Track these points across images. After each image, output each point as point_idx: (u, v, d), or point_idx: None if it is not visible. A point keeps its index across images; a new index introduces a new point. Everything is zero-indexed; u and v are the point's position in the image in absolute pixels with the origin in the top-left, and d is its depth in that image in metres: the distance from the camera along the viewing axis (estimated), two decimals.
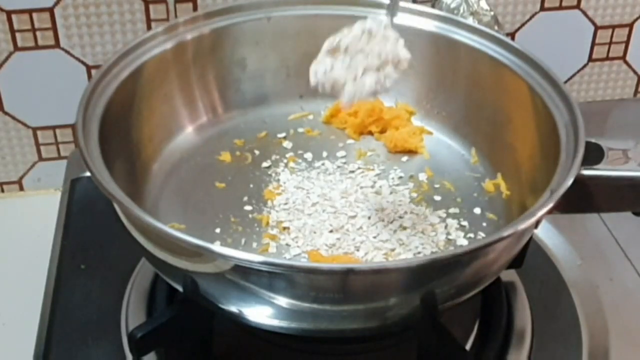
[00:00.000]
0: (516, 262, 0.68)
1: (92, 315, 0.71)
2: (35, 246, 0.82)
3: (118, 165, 0.66)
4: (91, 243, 0.79)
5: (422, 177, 0.74)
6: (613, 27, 1.00)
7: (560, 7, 0.97)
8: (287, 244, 0.67)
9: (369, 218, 0.69)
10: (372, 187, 0.73)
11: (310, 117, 0.80)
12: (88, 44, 0.88)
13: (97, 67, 0.89)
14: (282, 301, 0.56)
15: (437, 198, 0.72)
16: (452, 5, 0.84)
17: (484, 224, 0.69)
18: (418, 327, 0.60)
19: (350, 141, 0.78)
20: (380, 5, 0.78)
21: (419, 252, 0.66)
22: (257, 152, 0.76)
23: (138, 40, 0.72)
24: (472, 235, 0.68)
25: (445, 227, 0.69)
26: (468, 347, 0.68)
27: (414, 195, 0.72)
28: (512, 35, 0.97)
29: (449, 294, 0.59)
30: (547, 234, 0.79)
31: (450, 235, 0.68)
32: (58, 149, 0.94)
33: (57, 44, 0.88)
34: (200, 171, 0.74)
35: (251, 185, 0.73)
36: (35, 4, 0.85)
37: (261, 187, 0.72)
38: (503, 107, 0.73)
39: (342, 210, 0.70)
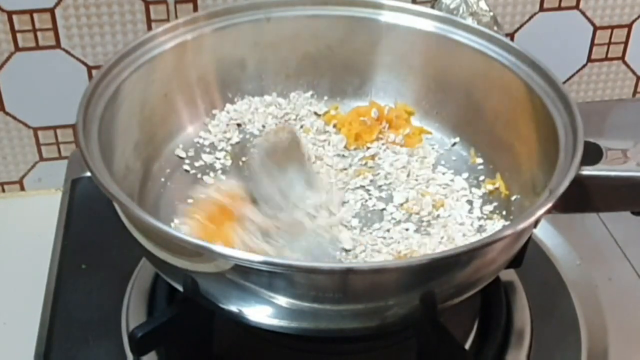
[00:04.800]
0: (515, 262, 0.69)
1: (92, 314, 0.72)
2: (36, 246, 0.82)
3: (118, 166, 0.67)
4: (92, 243, 0.79)
5: (422, 177, 0.74)
6: (612, 27, 1.00)
7: (560, 8, 0.97)
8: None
9: (369, 217, 0.70)
10: (372, 187, 0.73)
11: (310, 117, 0.81)
12: (89, 44, 0.89)
13: (97, 67, 0.89)
14: (282, 300, 0.57)
15: (436, 198, 0.72)
16: (452, 6, 0.84)
17: (483, 224, 0.70)
18: (417, 326, 0.60)
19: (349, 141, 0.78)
20: (380, 6, 0.78)
21: (419, 251, 0.66)
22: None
23: (138, 40, 0.72)
24: (471, 235, 0.68)
25: (444, 226, 0.69)
26: (467, 346, 0.68)
27: (414, 194, 0.72)
28: (511, 36, 0.97)
29: (449, 293, 0.59)
30: (546, 234, 0.79)
31: (449, 235, 0.68)
32: (59, 149, 0.94)
33: (57, 45, 0.88)
34: (200, 171, 0.74)
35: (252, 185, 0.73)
36: (36, 4, 0.86)
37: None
38: (502, 108, 0.74)
39: (343, 210, 0.70)
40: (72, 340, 0.70)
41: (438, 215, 0.70)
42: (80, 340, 0.70)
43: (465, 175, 0.74)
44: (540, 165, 0.67)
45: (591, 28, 0.99)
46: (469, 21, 0.81)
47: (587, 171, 0.63)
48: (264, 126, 0.78)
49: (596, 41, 1.00)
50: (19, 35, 0.87)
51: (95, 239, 0.79)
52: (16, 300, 0.80)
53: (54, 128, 0.93)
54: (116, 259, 0.76)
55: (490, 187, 0.73)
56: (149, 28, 0.89)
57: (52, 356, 0.69)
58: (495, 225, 0.69)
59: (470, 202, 0.72)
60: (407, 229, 0.68)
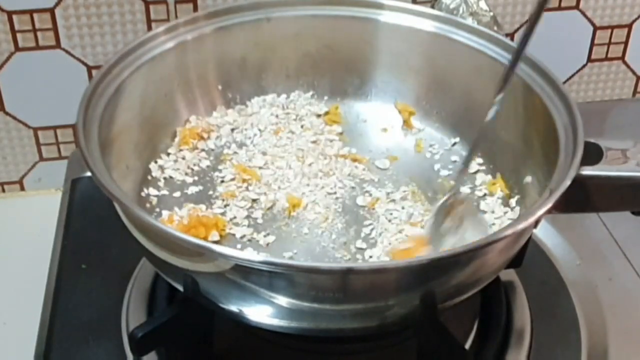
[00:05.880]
0: (515, 262, 0.69)
1: (92, 314, 0.72)
2: (36, 246, 0.82)
3: (118, 165, 0.67)
4: (92, 243, 0.79)
5: (422, 176, 0.74)
6: (612, 27, 1.00)
7: (560, 8, 0.97)
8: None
9: (370, 216, 0.70)
10: (372, 186, 0.73)
11: (310, 117, 0.81)
12: (89, 44, 0.89)
13: (97, 67, 0.89)
14: (282, 300, 0.57)
15: (438, 197, 0.72)
16: (452, 6, 0.84)
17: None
18: (418, 326, 0.60)
19: (349, 142, 0.78)
20: (380, 6, 0.78)
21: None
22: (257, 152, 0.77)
23: (138, 40, 0.72)
24: None
25: None
26: (467, 346, 0.68)
27: (414, 195, 0.72)
28: (511, 36, 0.97)
29: (449, 293, 0.59)
30: (546, 234, 0.79)
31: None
32: (59, 149, 0.94)
33: (57, 45, 0.88)
34: (200, 171, 0.74)
35: (252, 186, 0.73)
36: (36, 4, 0.86)
37: (262, 188, 0.72)
38: (502, 108, 0.73)
39: (344, 210, 0.70)
40: (72, 340, 0.70)
41: None
42: (80, 340, 0.70)
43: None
44: (540, 165, 0.67)
45: (591, 28, 0.99)
46: (469, 21, 0.81)
47: (587, 171, 0.63)
48: (265, 127, 0.78)
49: (596, 41, 1.00)
50: (19, 35, 0.87)
51: (95, 239, 0.79)
52: (16, 300, 0.80)
53: (54, 128, 0.93)
54: (117, 259, 0.76)
55: (490, 187, 0.73)
56: (149, 28, 0.89)
57: (52, 356, 0.69)
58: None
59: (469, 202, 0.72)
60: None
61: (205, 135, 0.76)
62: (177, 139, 0.75)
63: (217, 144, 0.77)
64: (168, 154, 0.74)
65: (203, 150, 0.76)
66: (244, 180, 0.73)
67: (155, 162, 0.73)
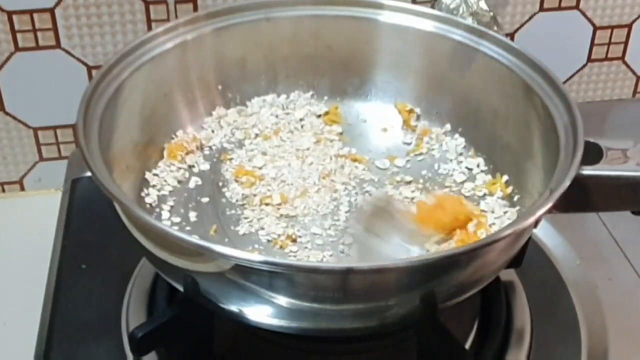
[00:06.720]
0: (515, 262, 0.69)
1: (92, 314, 0.72)
2: (36, 246, 0.82)
3: (118, 165, 0.67)
4: (92, 243, 0.79)
5: (422, 176, 0.74)
6: (612, 27, 1.00)
7: (560, 8, 0.97)
8: (291, 251, 0.67)
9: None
10: (371, 186, 0.73)
11: (310, 117, 0.81)
12: (89, 44, 0.89)
13: (97, 67, 0.89)
14: (282, 300, 0.57)
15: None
16: (452, 6, 0.84)
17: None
18: (418, 326, 0.60)
19: (348, 142, 0.78)
20: (379, 6, 0.78)
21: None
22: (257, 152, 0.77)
23: (138, 40, 0.72)
24: None
25: None
26: (467, 346, 0.68)
27: (415, 194, 0.72)
28: (511, 36, 0.97)
29: (449, 293, 0.59)
30: (546, 234, 0.79)
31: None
32: (59, 149, 0.94)
33: (57, 45, 0.88)
34: (200, 172, 0.74)
35: (253, 186, 0.73)
36: (36, 4, 0.86)
37: (263, 189, 0.72)
38: (502, 108, 0.74)
39: (344, 210, 0.70)
40: (72, 339, 0.70)
41: None
42: (80, 339, 0.70)
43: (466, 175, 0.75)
44: (540, 165, 0.67)
45: (591, 28, 0.99)
46: (469, 21, 0.81)
47: (588, 171, 0.63)
48: (266, 126, 0.78)
49: (596, 41, 1.00)
50: (19, 35, 0.87)
51: (95, 239, 0.79)
52: (16, 300, 0.80)
53: (54, 128, 0.93)
54: (117, 259, 0.76)
55: (490, 187, 0.73)
56: (149, 28, 0.89)
57: (52, 356, 0.69)
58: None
59: (470, 202, 0.71)
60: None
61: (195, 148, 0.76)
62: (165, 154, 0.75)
63: (217, 145, 0.77)
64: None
65: (203, 150, 0.76)
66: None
67: (156, 168, 0.73)
